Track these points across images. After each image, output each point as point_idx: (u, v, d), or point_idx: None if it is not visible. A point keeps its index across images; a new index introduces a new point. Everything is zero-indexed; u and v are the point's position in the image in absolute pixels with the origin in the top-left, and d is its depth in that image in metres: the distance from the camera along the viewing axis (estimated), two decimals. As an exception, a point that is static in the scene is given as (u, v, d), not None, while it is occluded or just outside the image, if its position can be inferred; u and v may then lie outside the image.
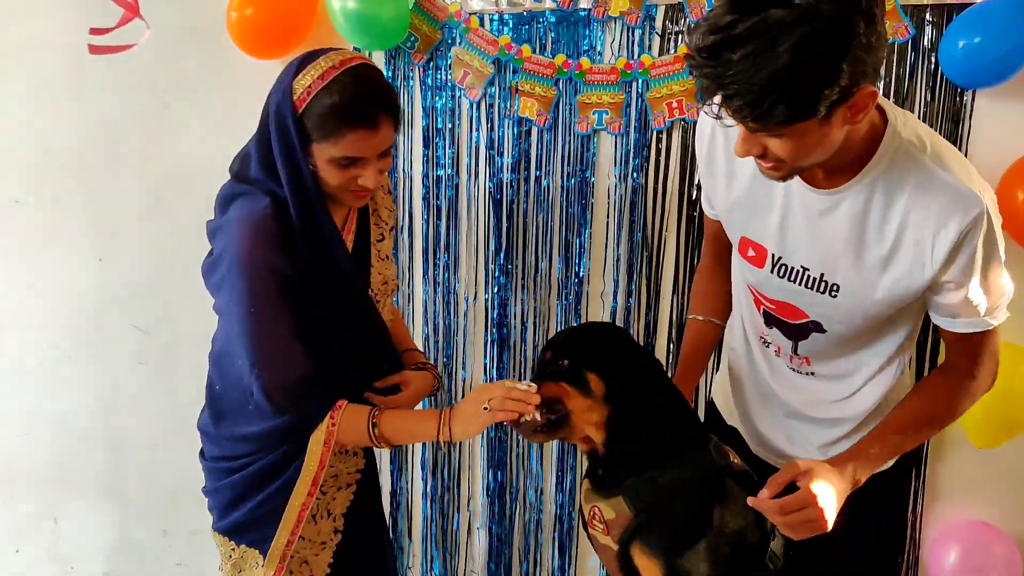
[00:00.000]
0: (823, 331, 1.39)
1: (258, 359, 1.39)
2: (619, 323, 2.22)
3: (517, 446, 2.37)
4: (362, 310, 1.57)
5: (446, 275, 2.31)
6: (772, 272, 1.39)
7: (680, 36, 2.05)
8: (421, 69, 2.22)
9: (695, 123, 2.04)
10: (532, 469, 2.37)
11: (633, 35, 2.07)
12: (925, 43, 1.91)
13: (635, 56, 2.08)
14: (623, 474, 1.34)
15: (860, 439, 1.37)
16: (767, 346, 1.51)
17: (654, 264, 2.17)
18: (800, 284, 1.36)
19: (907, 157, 1.22)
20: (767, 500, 1.20)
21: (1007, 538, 2.05)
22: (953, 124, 1.93)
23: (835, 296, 1.32)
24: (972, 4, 1.84)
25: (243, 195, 1.44)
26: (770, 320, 1.47)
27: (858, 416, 1.47)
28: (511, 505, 2.40)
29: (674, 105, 2.07)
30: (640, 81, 2.09)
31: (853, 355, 1.44)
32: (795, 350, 1.46)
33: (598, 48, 2.10)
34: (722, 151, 1.43)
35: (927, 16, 1.90)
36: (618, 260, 2.19)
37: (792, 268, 1.36)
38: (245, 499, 1.54)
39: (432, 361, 2.33)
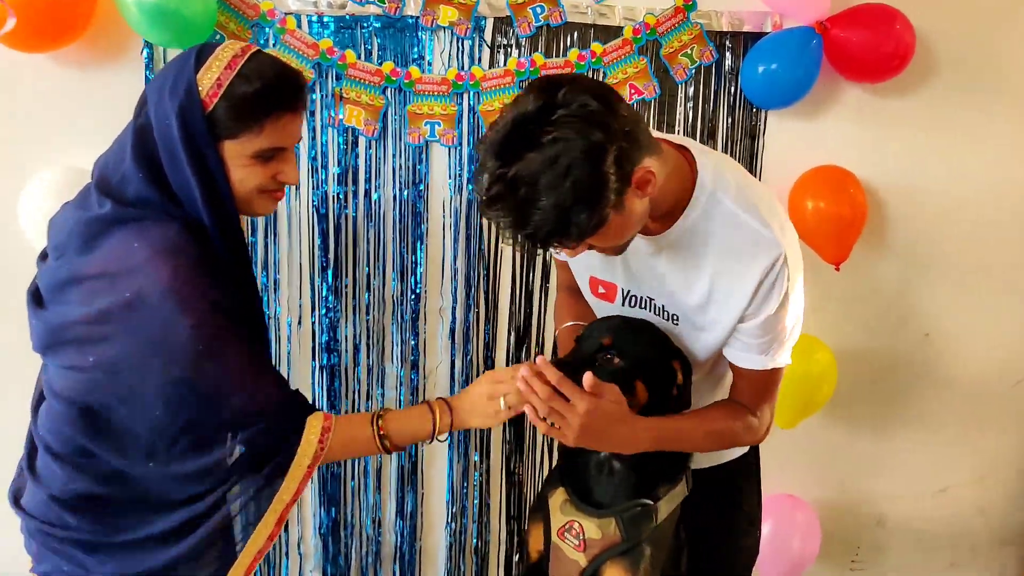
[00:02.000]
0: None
1: (231, 394, 1.23)
2: (458, 338, 2.17)
3: (352, 479, 2.21)
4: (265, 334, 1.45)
5: (265, 298, 2.09)
6: (624, 304, 1.45)
7: (509, 49, 2.06)
8: (229, 71, 2.00)
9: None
10: (369, 501, 2.23)
11: (463, 46, 2.05)
12: (726, 67, 2.12)
13: (465, 68, 2.06)
14: (618, 496, 1.33)
15: (659, 420, 1.39)
16: None
17: (491, 277, 2.16)
18: (649, 311, 1.44)
19: (715, 204, 1.30)
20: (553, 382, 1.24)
21: (806, 506, 2.33)
22: (750, 139, 2.16)
23: (676, 324, 1.41)
24: (765, 34, 2.07)
25: (133, 222, 1.21)
26: None
27: None
28: (347, 541, 2.23)
29: (506, 117, 2.08)
30: (472, 93, 2.07)
31: (706, 379, 1.51)
32: None
33: (427, 58, 2.05)
34: None
35: (727, 43, 2.11)
36: (456, 274, 2.14)
37: (642, 298, 1.43)
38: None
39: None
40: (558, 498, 1.40)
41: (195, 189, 1.21)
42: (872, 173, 2.18)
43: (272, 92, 1.23)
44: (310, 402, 1.39)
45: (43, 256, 1.34)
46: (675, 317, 1.40)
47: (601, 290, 1.46)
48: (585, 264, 1.46)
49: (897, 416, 2.37)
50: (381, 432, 1.36)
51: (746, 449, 1.62)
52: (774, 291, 1.29)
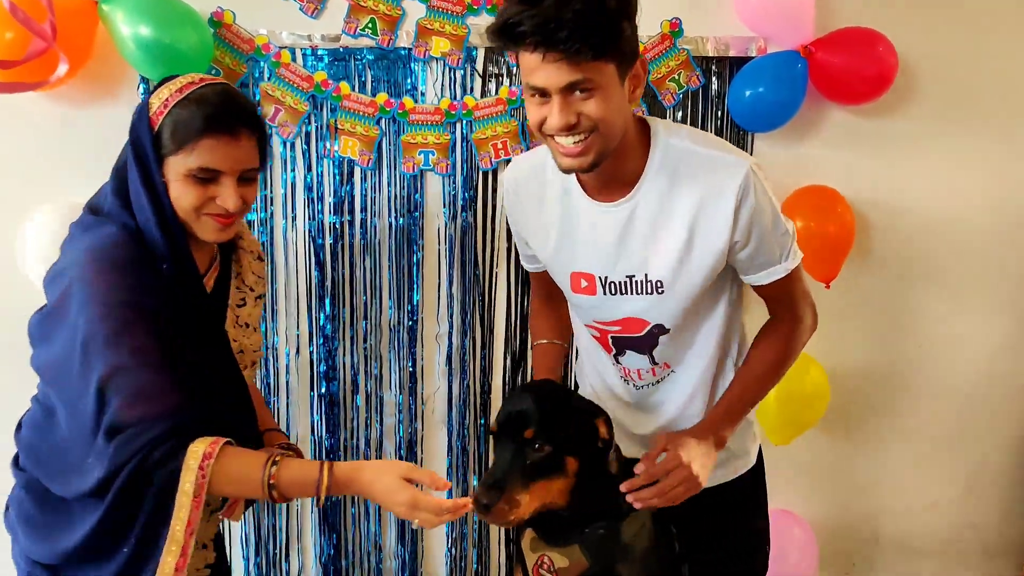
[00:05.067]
0: (666, 331, 1.51)
1: (116, 391, 1.19)
2: (455, 364, 2.19)
3: (353, 506, 2.22)
4: (220, 362, 1.39)
5: (262, 327, 2.10)
6: (605, 294, 1.48)
7: (501, 78, 2.10)
8: (224, 105, 2.02)
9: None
10: (370, 528, 2.23)
11: (455, 76, 2.08)
12: (713, 92, 2.16)
13: (458, 97, 2.09)
14: (579, 526, 1.35)
15: (719, 402, 1.53)
16: (627, 382, 1.59)
17: (487, 302, 2.18)
18: (631, 293, 1.47)
19: (673, 149, 1.39)
20: (639, 478, 1.33)
21: (803, 522, 2.35)
22: (739, 163, 2.20)
23: (662, 292, 1.44)
24: (751, 58, 2.11)
25: (90, 227, 1.29)
26: (620, 345, 1.55)
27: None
28: (348, 569, 2.24)
29: (499, 146, 2.11)
30: (464, 122, 2.10)
31: (699, 335, 1.55)
32: (653, 360, 1.55)
33: (420, 88, 2.08)
34: (532, 203, 1.52)
35: (713, 67, 2.14)
36: (451, 300, 2.16)
37: (620, 282, 1.46)
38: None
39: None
40: (527, 538, 1.43)
41: (144, 200, 1.27)
42: (858, 192, 2.22)
43: (208, 114, 1.27)
44: (222, 435, 1.26)
45: None
46: (659, 284, 1.43)
47: (584, 284, 1.49)
48: (566, 260, 1.50)
49: (889, 430, 2.40)
50: (271, 480, 1.24)
51: (751, 464, 1.63)
52: (754, 203, 1.36)
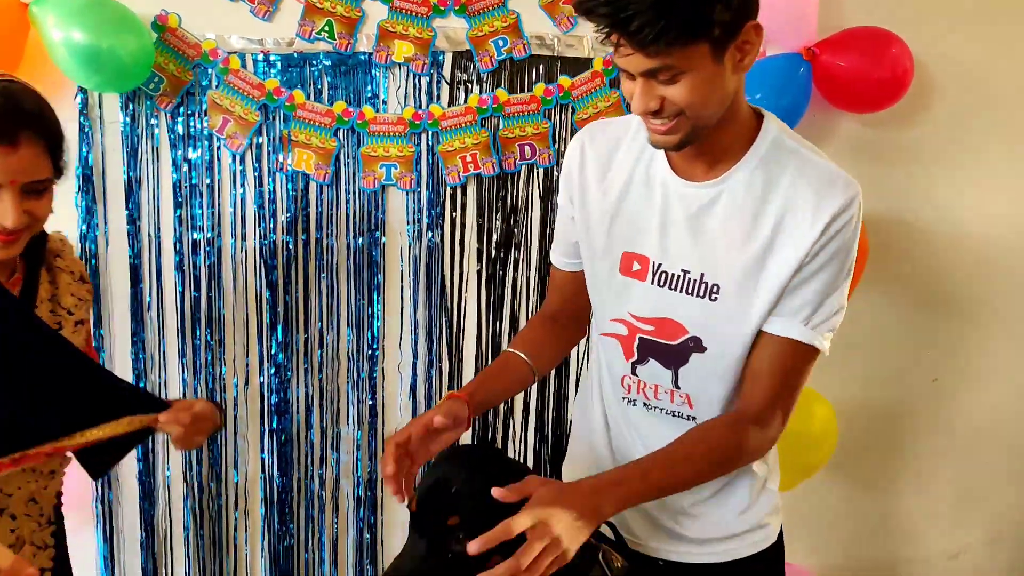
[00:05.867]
0: (703, 349, 1.29)
1: None
2: (420, 397, 2.01)
3: (306, 551, 2.04)
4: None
5: (208, 356, 1.94)
6: (653, 283, 1.29)
7: (470, 85, 1.92)
8: (169, 116, 1.87)
9: (492, 176, 1.93)
10: (326, 572, 2.06)
11: (420, 83, 1.91)
12: (706, 99, 1.96)
13: (423, 106, 1.91)
14: None
15: (617, 469, 1.23)
16: (633, 405, 1.38)
17: (455, 330, 2.00)
18: (680, 291, 1.27)
19: (782, 147, 1.21)
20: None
21: (805, 573, 2.14)
22: (735, 177, 2.00)
23: (715, 299, 1.24)
24: (748, 62, 1.92)
25: None
26: (645, 351, 1.34)
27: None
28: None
29: (468, 159, 1.93)
30: (430, 133, 1.92)
31: (731, 376, 1.30)
32: (675, 382, 1.33)
33: (382, 96, 1.91)
34: (597, 165, 1.34)
35: (706, 73, 1.95)
36: (416, 327, 1.98)
37: (673, 274, 1.27)
38: None
39: (197, 463, 1.96)
40: None
41: None
42: (871, 209, 2.00)
43: None
44: None
45: None
46: (715, 288, 1.23)
47: (636, 267, 1.29)
48: (621, 236, 1.30)
49: (904, 473, 2.19)
50: None
51: (772, 541, 1.40)
52: (843, 236, 1.17)
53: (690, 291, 1.26)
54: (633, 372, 1.34)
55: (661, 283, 1.28)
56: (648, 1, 1.02)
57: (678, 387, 1.31)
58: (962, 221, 2.07)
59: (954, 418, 2.16)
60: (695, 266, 1.25)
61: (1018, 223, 2.08)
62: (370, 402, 2.00)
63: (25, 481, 1.27)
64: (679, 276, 1.26)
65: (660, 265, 1.27)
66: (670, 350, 1.31)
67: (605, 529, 1.29)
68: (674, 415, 1.34)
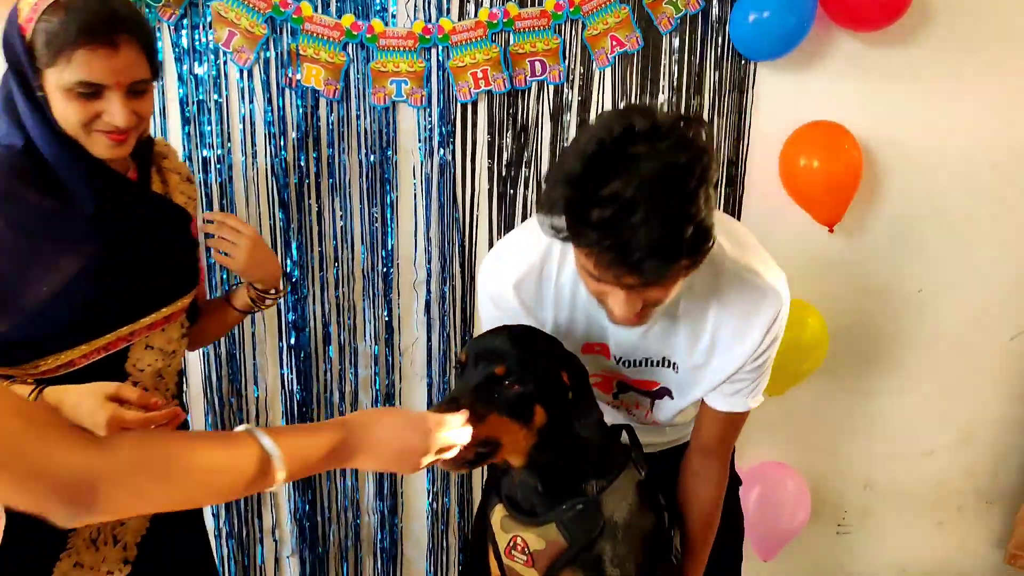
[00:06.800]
0: (673, 397, 1.41)
1: None
2: (434, 312, 2.05)
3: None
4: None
5: (223, 275, 1.95)
6: (618, 364, 1.39)
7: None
8: (172, 28, 1.82)
9: (502, 94, 1.93)
10: (347, 484, 2.13)
11: (430, -4, 1.88)
12: (713, 16, 1.97)
13: (433, 20, 1.89)
14: (552, 501, 1.23)
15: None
16: (618, 408, 1.49)
17: (468, 246, 2.02)
18: (645, 366, 1.37)
19: (710, 265, 1.20)
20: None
21: (796, 474, 2.27)
22: (739, 93, 2.03)
23: (677, 372, 1.36)
24: (756, -21, 1.92)
25: None
26: (624, 388, 1.46)
27: None
28: (324, 526, 2.14)
29: (479, 75, 1.92)
30: (440, 48, 1.90)
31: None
32: (652, 407, 1.46)
33: (391, 9, 1.87)
34: (533, 301, 1.33)
35: (714, -11, 1.95)
36: (429, 245, 2.01)
37: (635, 360, 1.37)
38: None
39: (216, 379, 1.99)
40: (498, 515, 1.31)
41: (28, 117, 1.18)
42: (868, 128, 2.06)
43: (80, 22, 1.14)
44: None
45: None
46: (675, 365, 1.35)
47: (598, 349, 1.38)
48: (578, 333, 1.36)
49: (886, 378, 2.30)
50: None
51: None
52: (774, 335, 1.28)
53: (655, 365, 1.36)
54: (615, 398, 1.46)
55: (626, 365, 1.37)
56: (655, 245, 0.98)
57: (653, 411, 1.45)
58: (955, 139, 2.10)
59: (934, 327, 2.26)
60: (654, 355, 1.35)
61: (1007, 144, 2.13)
62: (386, 318, 2.03)
63: (153, 359, 1.35)
64: (640, 360, 1.36)
65: (621, 357, 1.36)
66: (646, 392, 1.43)
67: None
68: (654, 425, 1.49)
